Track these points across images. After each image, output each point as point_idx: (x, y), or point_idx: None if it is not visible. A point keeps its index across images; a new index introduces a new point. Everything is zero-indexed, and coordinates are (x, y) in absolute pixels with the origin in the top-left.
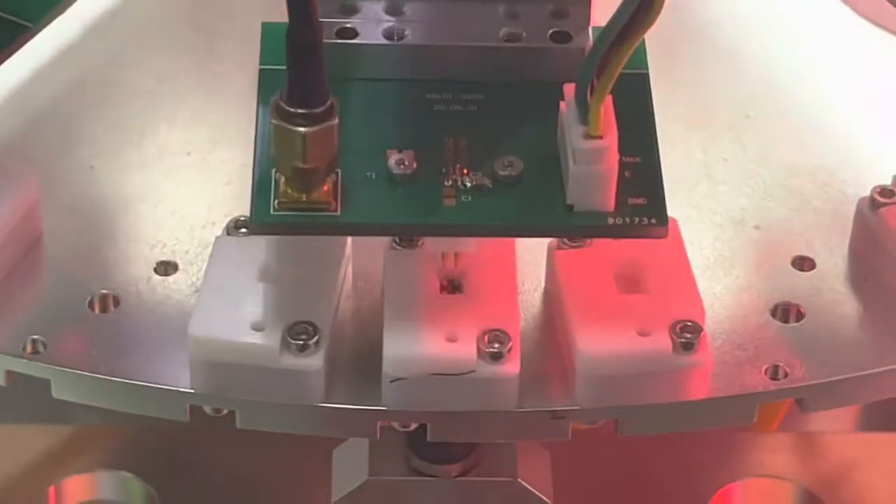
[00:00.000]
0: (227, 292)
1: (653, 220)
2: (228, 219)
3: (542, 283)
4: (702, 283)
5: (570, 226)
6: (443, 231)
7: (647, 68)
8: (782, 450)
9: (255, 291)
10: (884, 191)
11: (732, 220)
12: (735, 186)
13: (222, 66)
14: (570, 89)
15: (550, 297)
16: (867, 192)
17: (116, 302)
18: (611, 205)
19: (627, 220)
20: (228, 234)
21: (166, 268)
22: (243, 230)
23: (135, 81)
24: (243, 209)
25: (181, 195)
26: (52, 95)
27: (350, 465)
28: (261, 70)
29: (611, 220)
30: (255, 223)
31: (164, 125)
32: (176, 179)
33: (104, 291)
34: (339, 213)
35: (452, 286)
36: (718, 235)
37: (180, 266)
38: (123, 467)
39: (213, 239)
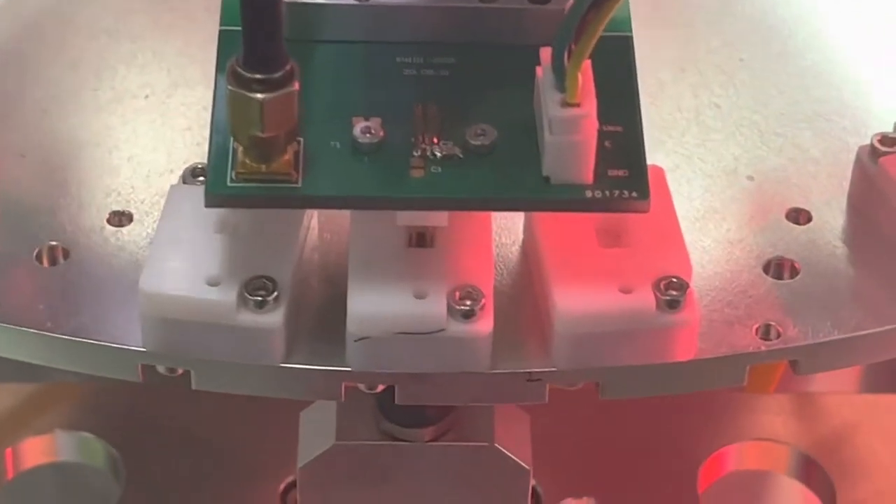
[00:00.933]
0: (181, 245)
1: (633, 194)
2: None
3: (520, 237)
4: (689, 237)
5: (545, 199)
6: (410, 205)
7: (630, 31)
8: (779, 412)
9: (211, 244)
10: (885, 139)
11: (724, 170)
12: (727, 134)
13: (184, 4)
14: (546, 53)
15: (527, 251)
16: (867, 140)
17: (66, 254)
18: (589, 177)
19: (607, 193)
20: (185, 182)
21: (120, 218)
22: (201, 178)
23: (92, 20)
24: (203, 156)
25: (138, 141)
26: (4, 34)
27: (317, 429)
28: (221, 32)
29: (589, 194)
30: (211, 195)
31: (121, 66)
32: (133, 124)
33: (53, 243)
34: (300, 184)
35: (422, 240)
36: (709, 186)
37: (135, 216)
38: (83, 427)
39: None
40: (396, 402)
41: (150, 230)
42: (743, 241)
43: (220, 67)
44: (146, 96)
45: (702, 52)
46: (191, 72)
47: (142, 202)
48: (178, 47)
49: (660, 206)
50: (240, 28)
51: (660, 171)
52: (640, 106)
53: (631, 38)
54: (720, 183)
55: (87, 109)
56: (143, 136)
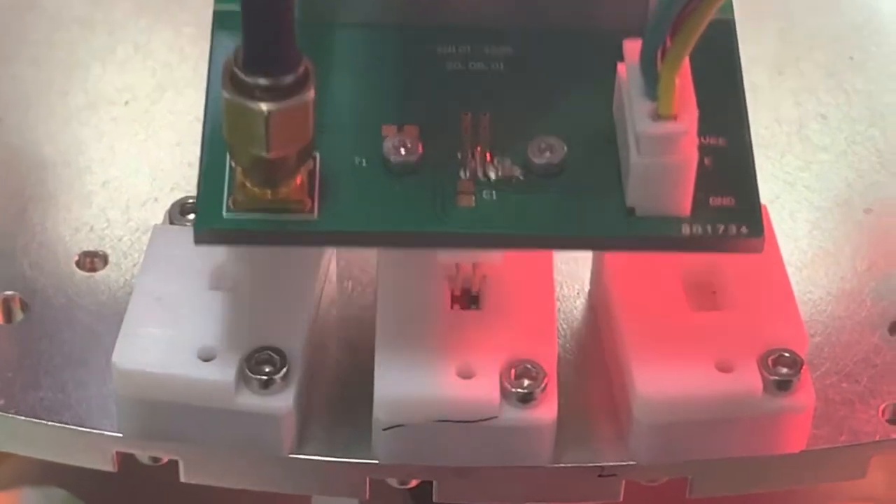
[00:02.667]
0: (165, 305)
1: (743, 230)
2: (177, 196)
3: (586, 288)
4: (795, 289)
5: (629, 236)
6: (455, 242)
7: (732, 13)
8: (880, 468)
9: (204, 304)
10: None
11: (836, 201)
12: (838, 154)
13: None
14: (632, 48)
15: (597, 308)
16: None
17: (25, 307)
18: (687, 208)
19: (709, 228)
20: (171, 221)
21: (92, 260)
22: (192, 216)
23: (61, 5)
24: (195, 184)
25: (116, 160)
26: None
27: None
28: (216, 12)
29: (686, 230)
30: (201, 230)
31: (96, 65)
32: (110, 138)
33: (8, 293)
34: (315, 215)
35: (468, 299)
36: (818, 222)
37: (111, 258)
38: (53, 482)
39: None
40: (435, 500)
41: (129, 276)
42: (862, 292)
43: (213, 61)
44: (126, 102)
45: (803, 49)
46: (181, 72)
47: (119, 240)
48: (167, 41)
49: (764, 254)
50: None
51: (763, 210)
52: (748, 112)
53: (733, 22)
54: (832, 218)
55: (53, 119)
56: (122, 154)
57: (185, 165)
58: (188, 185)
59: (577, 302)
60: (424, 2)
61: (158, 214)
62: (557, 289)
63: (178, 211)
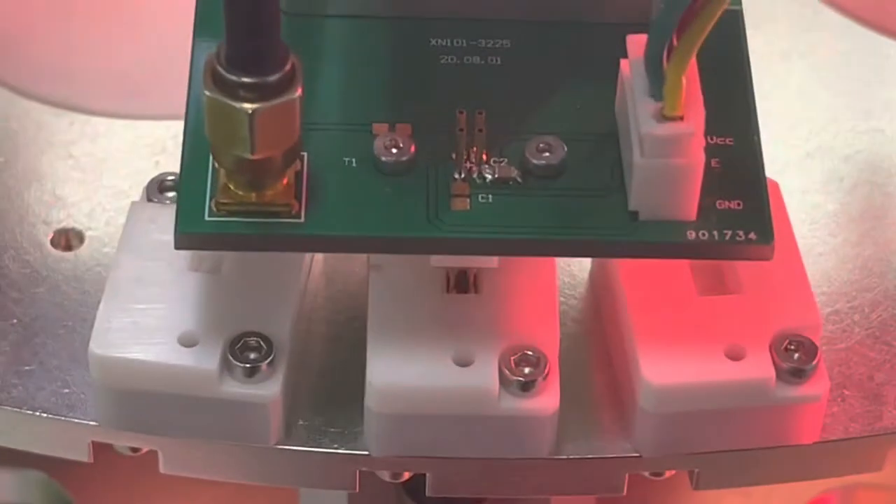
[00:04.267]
0: (144, 289)
1: (752, 236)
2: (156, 172)
3: (587, 274)
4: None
5: (632, 241)
6: (449, 247)
7: (739, 2)
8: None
9: (186, 287)
10: None
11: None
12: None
13: None
14: (636, 43)
15: (600, 292)
16: None
17: None
18: (692, 212)
19: (715, 234)
20: (149, 198)
21: (67, 238)
22: (171, 195)
23: None
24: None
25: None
26: None
27: None
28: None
29: (692, 235)
30: (182, 234)
31: None
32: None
33: None
34: (302, 219)
35: (463, 282)
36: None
37: (86, 236)
38: (29, 464)
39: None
40: (429, 493)
41: (105, 254)
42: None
43: (197, 45)
44: None
45: None
46: None
47: (95, 215)
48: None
49: (777, 237)
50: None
51: (774, 186)
52: (756, 108)
53: (741, 13)
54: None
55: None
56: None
57: (170, 138)
58: (169, 162)
59: (579, 290)
60: None
61: (136, 190)
62: (559, 272)
63: (157, 188)
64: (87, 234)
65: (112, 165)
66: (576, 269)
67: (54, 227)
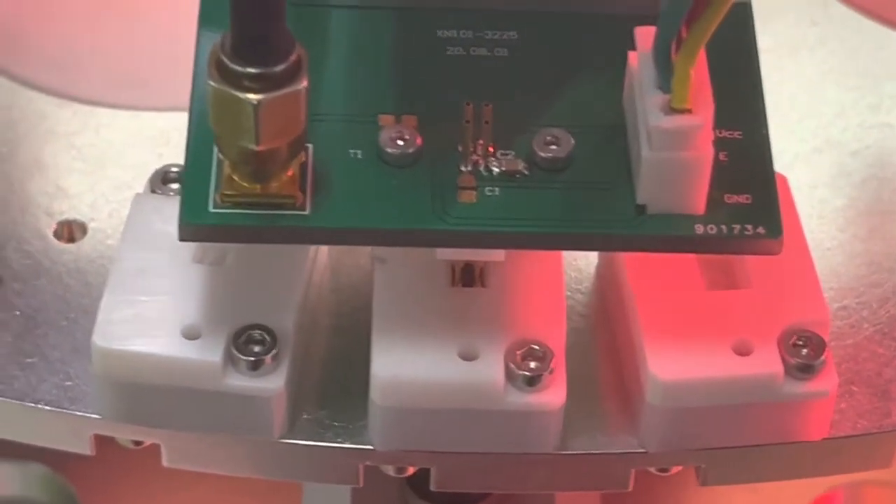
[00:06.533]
0: (147, 280)
1: (760, 230)
2: (160, 163)
3: (593, 268)
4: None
5: (640, 235)
6: (455, 240)
7: None
8: None
9: (189, 280)
10: None
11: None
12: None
13: None
14: (645, 35)
15: (607, 286)
16: None
17: None
18: (701, 206)
19: (724, 228)
20: (153, 190)
21: (70, 229)
22: (175, 186)
23: None
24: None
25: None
26: None
27: None
28: None
29: (700, 229)
30: (186, 225)
31: None
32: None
33: None
34: (308, 211)
35: (469, 276)
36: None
37: (89, 228)
38: (30, 457)
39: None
40: (433, 488)
41: (108, 247)
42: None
43: (202, 35)
44: None
45: None
46: None
47: (98, 207)
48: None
49: (785, 231)
50: None
51: (782, 181)
52: (765, 102)
53: (750, 6)
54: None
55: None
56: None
57: (173, 130)
58: (173, 154)
59: (585, 284)
60: None
61: (140, 182)
62: (565, 266)
63: (160, 180)
64: (90, 225)
65: (115, 156)
66: (582, 264)
67: (57, 218)
